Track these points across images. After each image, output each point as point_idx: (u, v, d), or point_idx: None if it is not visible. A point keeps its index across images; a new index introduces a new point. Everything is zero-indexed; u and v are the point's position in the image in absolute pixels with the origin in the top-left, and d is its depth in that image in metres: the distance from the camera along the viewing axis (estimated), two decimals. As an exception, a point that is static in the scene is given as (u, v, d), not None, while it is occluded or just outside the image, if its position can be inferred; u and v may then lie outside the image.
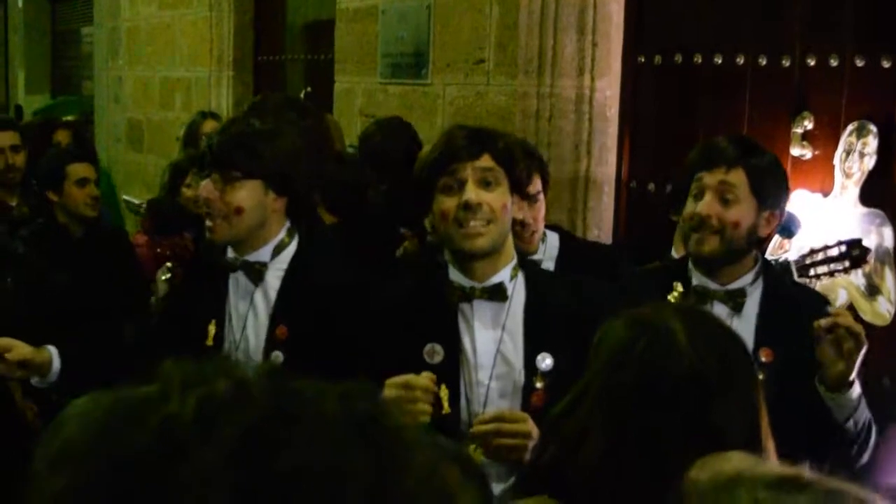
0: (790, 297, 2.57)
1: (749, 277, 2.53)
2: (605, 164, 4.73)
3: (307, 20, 7.11)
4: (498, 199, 2.30)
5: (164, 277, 3.57)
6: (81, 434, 0.73)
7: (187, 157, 4.66)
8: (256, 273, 2.60)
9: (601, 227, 4.76)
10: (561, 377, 2.28)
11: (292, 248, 2.63)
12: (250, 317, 2.59)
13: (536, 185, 3.02)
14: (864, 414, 2.34)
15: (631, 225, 4.80)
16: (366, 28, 5.62)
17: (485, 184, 2.29)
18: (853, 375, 2.29)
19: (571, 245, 3.25)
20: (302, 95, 6.69)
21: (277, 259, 2.61)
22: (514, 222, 2.40)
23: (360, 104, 5.70)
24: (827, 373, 2.30)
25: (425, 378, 2.20)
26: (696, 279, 2.55)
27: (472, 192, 2.26)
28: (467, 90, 4.94)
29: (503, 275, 2.36)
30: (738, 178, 2.47)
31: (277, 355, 2.54)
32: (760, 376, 1.72)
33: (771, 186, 2.54)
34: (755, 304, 2.52)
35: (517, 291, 2.38)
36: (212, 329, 2.60)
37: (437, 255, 3.81)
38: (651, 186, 4.66)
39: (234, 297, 2.62)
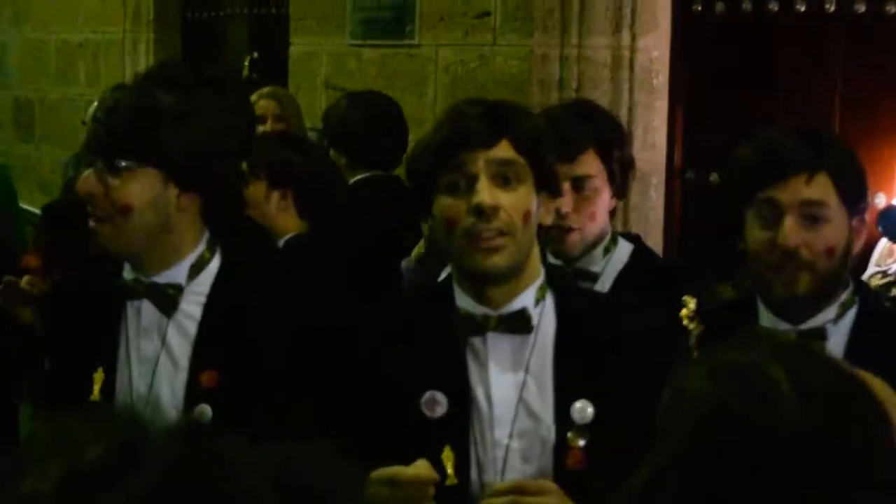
0: (890, 326, 2.56)
1: (831, 312, 2.50)
2: (653, 149, 4.71)
3: (252, -38, 7.11)
4: (519, 201, 2.28)
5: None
6: None
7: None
8: (168, 300, 2.56)
9: (648, 230, 4.74)
10: (607, 431, 2.27)
11: (214, 266, 2.60)
12: (163, 359, 2.56)
13: (587, 167, 3.03)
14: None
15: (688, 228, 4.78)
16: (331, -28, 5.62)
17: (502, 181, 2.27)
18: None
19: (644, 262, 3.21)
20: (245, 64, 6.69)
21: (196, 281, 2.58)
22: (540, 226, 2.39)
23: (324, 73, 5.70)
24: None
25: (421, 469, 2.17)
26: (766, 318, 2.53)
27: (485, 193, 2.24)
28: (467, 53, 4.93)
29: (526, 298, 2.34)
30: (823, 188, 2.43)
31: (203, 410, 2.51)
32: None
33: (859, 185, 2.53)
34: (841, 343, 2.50)
35: (545, 320, 2.36)
36: (98, 378, 2.56)
37: (435, 271, 3.82)
38: (714, 177, 4.64)
39: (132, 333, 2.58)
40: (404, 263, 3.99)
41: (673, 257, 4.71)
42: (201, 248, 2.59)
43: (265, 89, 5.36)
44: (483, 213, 2.23)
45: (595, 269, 3.12)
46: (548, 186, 2.35)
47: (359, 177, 4.39)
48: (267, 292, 2.59)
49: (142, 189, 2.47)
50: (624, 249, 3.19)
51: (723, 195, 2.54)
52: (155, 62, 7.29)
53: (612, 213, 3.19)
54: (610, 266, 3.15)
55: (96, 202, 2.48)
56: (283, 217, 3.98)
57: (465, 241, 2.27)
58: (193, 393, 2.52)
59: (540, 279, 2.38)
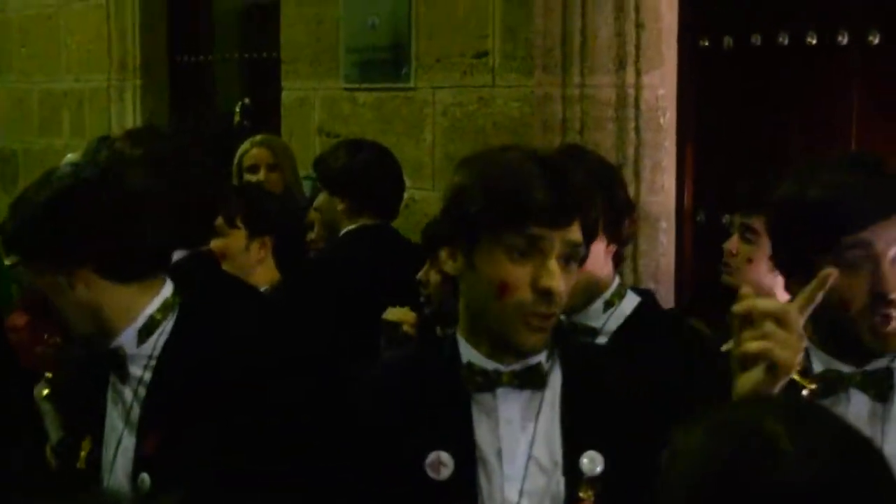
0: None
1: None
2: (661, 191, 4.68)
3: (241, 5, 7.11)
4: (572, 280, 2.31)
5: (44, 393, 3.53)
6: None
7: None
8: (116, 363, 2.60)
9: (659, 277, 4.71)
10: (618, 483, 2.27)
11: (170, 326, 2.61)
12: (119, 426, 2.60)
13: None
14: None
15: (700, 272, 4.73)
16: (322, 13, 5.62)
17: (566, 261, 2.28)
18: None
19: (648, 315, 3.15)
20: (237, 110, 6.68)
21: (146, 345, 2.60)
22: None
23: (317, 119, 5.68)
24: None
25: None
26: (819, 361, 2.46)
27: (557, 276, 2.24)
28: (465, 95, 4.92)
29: (539, 355, 2.34)
30: None
31: (143, 479, 2.53)
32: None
33: None
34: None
35: (552, 374, 2.37)
36: (85, 447, 2.62)
37: (437, 327, 3.78)
38: (727, 220, 4.60)
39: (111, 401, 2.63)
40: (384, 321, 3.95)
41: (685, 306, 4.66)
42: (149, 310, 2.60)
43: (257, 137, 5.36)
44: (551, 295, 2.24)
45: (594, 324, 3.07)
46: (580, 261, 2.37)
47: (357, 224, 4.38)
48: (218, 357, 2.58)
49: (57, 288, 2.54)
50: (629, 304, 3.13)
51: (784, 243, 2.44)
52: (142, 109, 7.33)
53: (618, 263, 3.13)
54: (612, 321, 3.10)
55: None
56: (261, 268, 3.99)
57: (516, 315, 2.26)
58: (138, 460, 2.55)
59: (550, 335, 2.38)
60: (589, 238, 2.34)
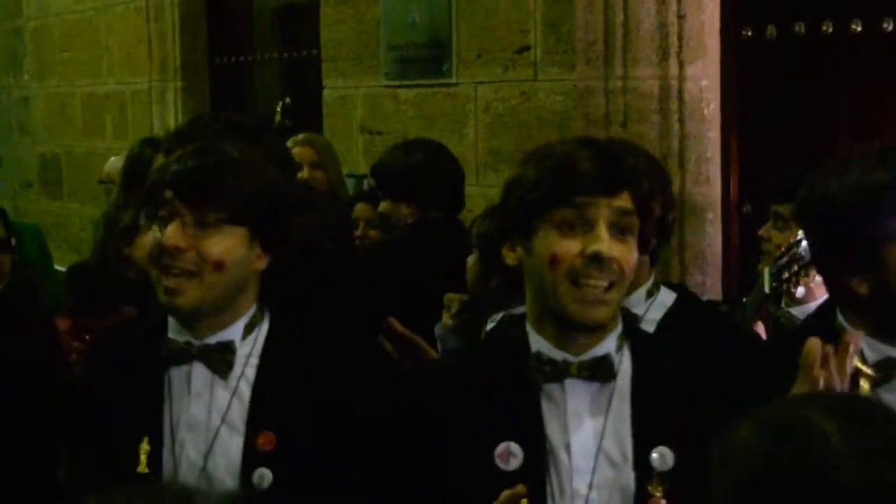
0: None
1: None
2: (707, 183, 4.69)
3: (279, 4, 7.14)
4: (629, 254, 2.28)
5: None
6: None
7: (137, 206, 4.63)
8: (223, 360, 2.57)
9: (706, 269, 4.71)
10: (688, 479, 2.25)
11: (265, 325, 2.63)
12: (214, 423, 2.56)
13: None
14: None
15: (747, 263, 4.73)
16: (362, 12, 5.64)
17: (619, 231, 2.28)
18: None
19: (690, 308, 3.18)
20: (278, 109, 6.71)
21: (247, 340, 2.60)
22: None
23: (360, 116, 5.70)
24: None
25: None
26: (872, 350, 2.48)
27: (605, 241, 2.24)
28: (507, 90, 4.93)
29: (608, 345, 2.35)
30: None
31: (263, 474, 2.51)
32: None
33: None
34: None
35: (623, 366, 2.37)
36: (144, 448, 2.55)
37: (482, 320, 3.80)
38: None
39: (179, 399, 2.58)
40: (438, 329, 3.96)
41: (731, 297, 4.66)
42: (254, 308, 2.61)
43: (300, 136, 5.38)
44: (600, 259, 2.24)
45: (637, 311, 3.09)
46: (644, 247, 2.37)
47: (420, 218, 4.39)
48: (321, 351, 2.62)
49: (234, 246, 2.50)
50: (667, 296, 3.17)
51: (843, 233, 2.45)
52: (184, 111, 7.36)
53: (654, 257, 3.15)
54: (653, 309, 3.13)
55: (180, 257, 2.48)
56: None
57: (568, 286, 2.26)
58: (251, 457, 2.52)
59: (619, 327, 2.39)
60: (644, 215, 2.33)
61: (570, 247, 2.25)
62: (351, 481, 2.44)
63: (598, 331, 2.32)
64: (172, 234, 2.48)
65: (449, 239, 4.31)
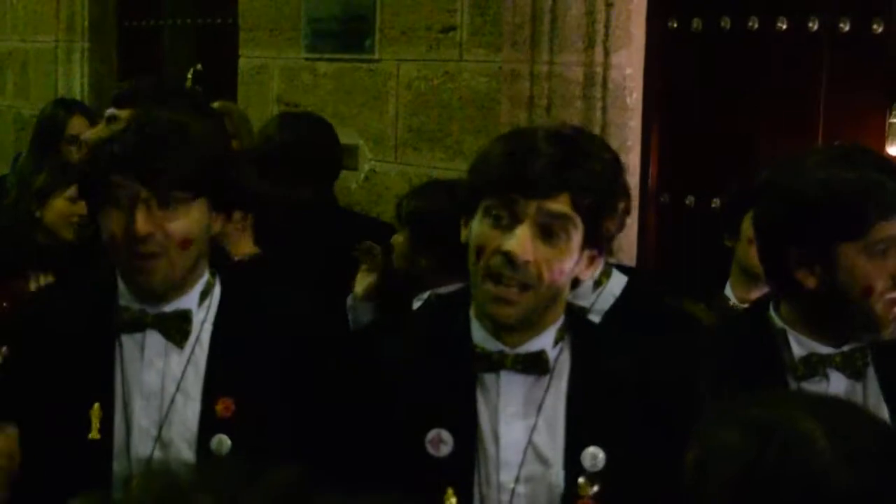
0: None
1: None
2: (626, 171, 4.67)
3: (195, -31, 7.04)
4: (556, 258, 2.26)
5: None
6: None
7: (51, 169, 4.55)
8: (180, 328, 2.58)
9: (621, 258, 4.72)
10: (619, 479, 2.28)
11: (217, 291, 2.65)
12: (169, 390, 2.56)
13: None
14: None
15: (663, 252, 4.77)
16: (284, -19, 5.57)
17: (546, 234, 2.25)
18: None
19: (637, 301, 3.18)
20: (189, 76, 6.62)
21: (201, 307, 2.62)
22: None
23: (276, 88, 5.65)
24: None
25: None
26: (798, 343, 2.55)
27: (519, 241, 2.22)
28: (431, 69, 4.91)
29: (545, 340, 2.35)
30: None
31: (222, 440, 2.53)
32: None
33: None
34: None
35: (561, 362, 2.37)
36: (95, 414, 2.54)
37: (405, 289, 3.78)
38: (689, 200, 4.65)
39: (131, 366, 2.57)
40: (350, 300, 3.96)
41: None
42: (207, 274, 2.63)
43: (215, 104, 5.29)
44: (511, 261, 2.23)
45: (584, 303, 3.09)
46: (596, 245, 2.32)
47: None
48: (270, 309, 2.64)
49: (197, 220, 2.52)
50: (616, 283, 3.17)
51: (805, 233, 2.50)
52: (90, 72, 7.23)
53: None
54: (601, 300, 3.13)
55: (151, 240, 2.48)
56: (241, 238, 3.96)
57: (483, 279, 2.27)
58: (209, 424, 2.54)
59: (560, 321, 2.38)
60: (592, 219, 2.29)
61: (493, 239, 2.26)
62: (308, 443, 2.42)
63: (519, 328, 2.31)
64: (142, 221, 2.46)
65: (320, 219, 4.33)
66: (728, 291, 3.82)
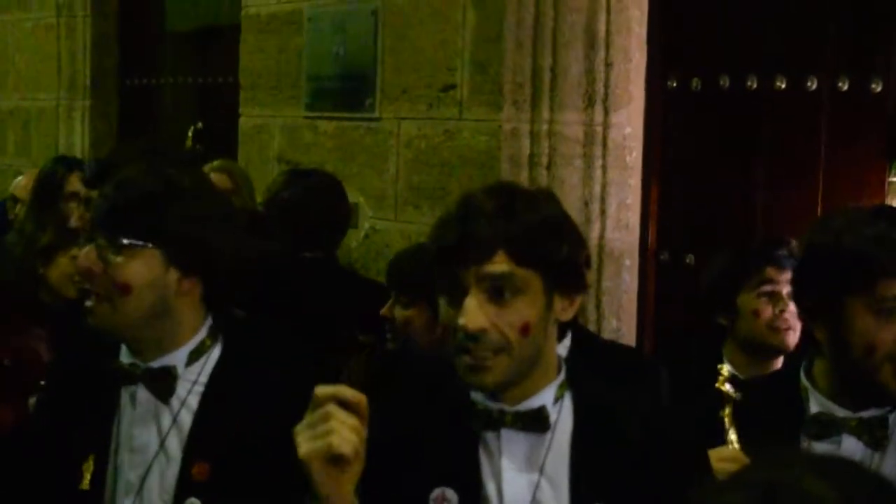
0: None
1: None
2: (626, 229, 4.71)
3: (196, 26, 7.06)
4: (515, 316, 2.22)
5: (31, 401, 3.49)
6: None
7: (55, 227, 4.55)
8: (164, 385, 2.59)
9: (621, 315, 4.73)
10: None
11: (216, 354, 2.64)
12: (155, 449, 2.58)
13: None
14: None
15: (663, 311, 4.76)
16: (285, 41, 5.59)
17: (496, 294, 2.22)
18: None
19: (588, 350, 3.20)
20: (189, 135, 6.63)
21: (193, 368, 2.61)
22: None
23: (277, 147, 5.65)
24: None
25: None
26: (816, 402, 2.52)
27: (470, 315, 2.20)
28: (431, 127, 4.92)
29: (545, 396, 2.32)
30: None
31: (193, 502, 2.54)
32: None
33: None
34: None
35: (563, 418, 2.33)
36: (88, 468, 2.58)
37: (402, 366, 3.76)
38: (690, 259, 4.65)
39: (126, 420, 2.61)
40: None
41: (648, 344, 4.70)
42: (202, 335, 2.63)
43: (216, 162, 5.31)
44: (470, 336, 2.20)
45: None
46: (563, 284, 2.29)
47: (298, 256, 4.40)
48: (267, 387, 2.61)
49: (143, 269, 2.52)
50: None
51: (816, 283, 2.50)
52: (90, 131, 7.25)
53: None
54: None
55: (94, 279, 2.52)
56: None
57: (457, 355, 2.25)
58: (184, 485, 2.54)
59: (560, 377, 2.36)
60: (544, 265, 2.25)
61: (450, 317, 2.25)
62: None
63: (504, 389, 2.28)
64: (84, 256, 2.53)
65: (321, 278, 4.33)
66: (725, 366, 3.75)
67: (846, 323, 2.45)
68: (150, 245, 2.51)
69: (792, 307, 3.52)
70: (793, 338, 3.64)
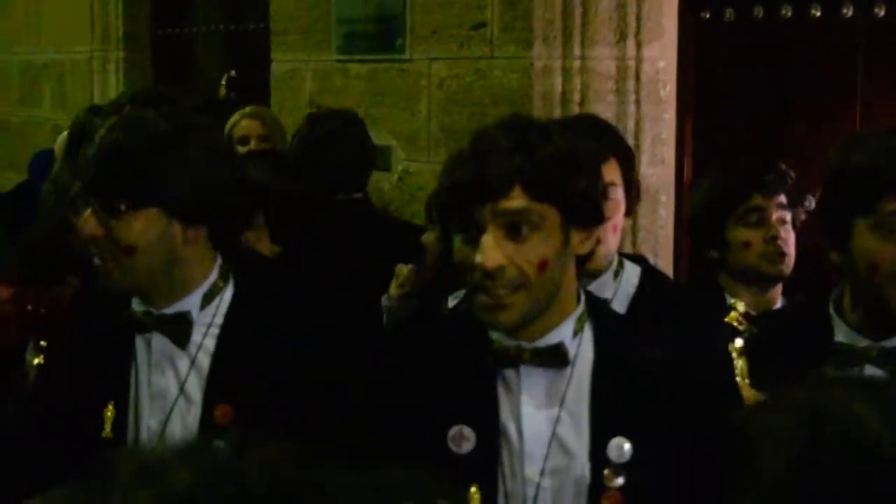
0: None
1: None
2: (661, 164, 4.68)
3: (226, -24, 7.05)
4: (532, 252, 2.20)
5: (35, 362, 3.50)
6: None
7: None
8: (180, 331, 2.59)
9: (657, 251, 4.70)
10: (645, 470, 2.24)
11: (228, 294, 2.64)
12: (175, 393, 2.59)
13: (610, 175, 2.87)
14: None
15: (699, 249, 4.72)
16: (314, -16, 5.56)
17: (513, 231, 2.20)
18: None
19: (656, 285, 3.16)
20: (223, 83, 6.63)
21: (207, 311, 2.61)
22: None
23: (309, 91, 5.63)
24: None
25: None
26: (841, 333, 2.48)
27: (484, 252, 2.17)
28: (462, 67, 4.88)
29: (563, 331, 2.31)
30: None
31: (218, 447, 2.51)
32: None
33: None
34: None
35: (582, 352, 2.32)
36: (109, 414, 2.59)
37: (439, 294, 3.75)
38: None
39: (144, 367, 2.61)
40: (385, 300, 3.93)
41: (684, 279, 4.66)
42: (213, 276, 2.63)
43: (247, 109, 5.30)
44: (487, 274, 2.19)
45: (606, 294, 3.05)
46: (580, 218, 2.26)
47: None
48: (283, 322, 2.61)
49: (145, 228, 2.50)
50: (632, 272, 3.14)
51: (827, 206, 2.46)
52: (125, 82, 7.25)
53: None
54: (621, 290, 3.10)
55: (99, 243, 2.51)
56: (257, 243, 3.94)
57: (475, 294, 2.24)
58: (207, 429, 2.54)
59: (579, 310, 2.34)
60: (578, 213, 2.24)
61: (467, 255, 2.23)
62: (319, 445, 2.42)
63: (524, 325, 2.26)
64: (84, 222, 2.51)
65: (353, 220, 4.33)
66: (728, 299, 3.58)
67: (853, 244, 2.42)
68: (148, 206, 2.50)
69: (784, 232, 3.43)
70: (789, 264, 3.51)
